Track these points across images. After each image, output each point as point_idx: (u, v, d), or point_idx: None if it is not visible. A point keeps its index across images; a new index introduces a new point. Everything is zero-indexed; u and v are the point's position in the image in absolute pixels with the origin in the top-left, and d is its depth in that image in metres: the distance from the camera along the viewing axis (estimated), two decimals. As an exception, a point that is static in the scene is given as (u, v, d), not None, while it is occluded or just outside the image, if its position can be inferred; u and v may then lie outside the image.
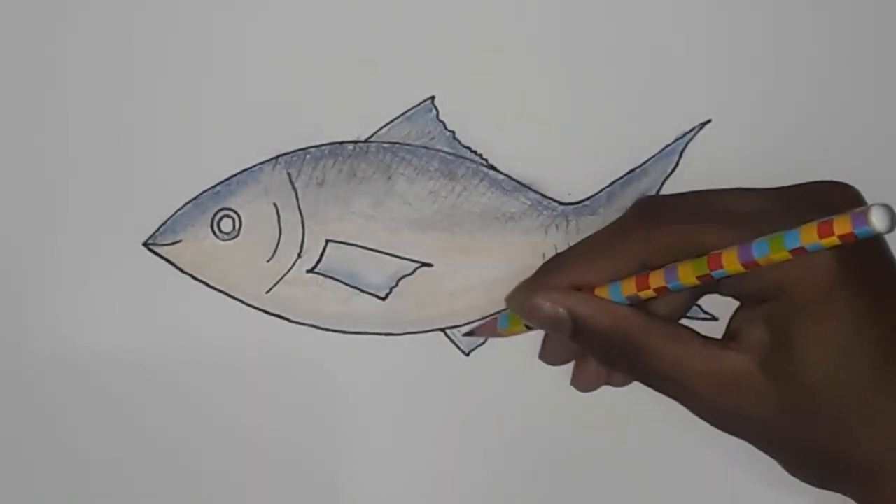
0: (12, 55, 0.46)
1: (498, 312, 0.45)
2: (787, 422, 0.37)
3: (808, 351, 0.36)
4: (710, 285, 0.39)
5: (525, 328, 0.43)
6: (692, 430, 0.47)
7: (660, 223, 0.39)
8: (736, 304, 0.39)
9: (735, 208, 0.38)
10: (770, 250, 0.35)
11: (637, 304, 0.39)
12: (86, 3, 0.46)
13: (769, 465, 0.39)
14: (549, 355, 0.44)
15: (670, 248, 0.38)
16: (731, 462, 0.47)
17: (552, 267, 0.42)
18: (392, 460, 0.47)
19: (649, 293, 0.39)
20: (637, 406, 0.47)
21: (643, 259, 0.39)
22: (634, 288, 0.39)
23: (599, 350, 0.40)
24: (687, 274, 0.37)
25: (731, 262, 0.36)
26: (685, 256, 0.37)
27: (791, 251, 0.34)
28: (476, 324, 0.46)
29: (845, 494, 0.38)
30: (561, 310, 0.40)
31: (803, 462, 0.38)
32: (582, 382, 0.43)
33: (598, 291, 0.40)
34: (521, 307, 0.41)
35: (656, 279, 0.38)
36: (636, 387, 0.46)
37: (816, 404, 0.36)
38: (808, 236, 0.33)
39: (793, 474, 0.39)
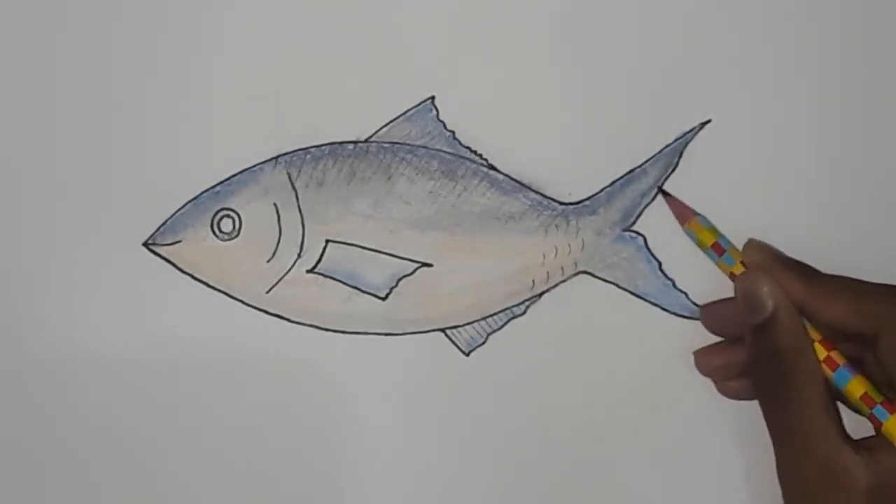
0: (13, 56, 0.46)
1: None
2: None
3: None
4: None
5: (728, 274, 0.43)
6: (693, 432, 0.47)
7: None
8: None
9: None
10: None
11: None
12: (86, 3, 0.46)
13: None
14: (710, 320, 0.44)
15: None
16: (731, 463, 0.47)
17: (808, 269, 0.41)
18: (392, 460, 0.47)
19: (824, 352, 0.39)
20: (637, 406, 0.47)
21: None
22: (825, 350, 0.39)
23: (764, 350, 0.40)
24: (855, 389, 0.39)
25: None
26: None
27: None
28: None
29: None
30: (771, 303, 0.39)
31: None
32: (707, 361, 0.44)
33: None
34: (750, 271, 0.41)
35: (838, 358, 0.39)
36: (634, 389, 0.46)
37: None
38: None
39: None
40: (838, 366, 0.39)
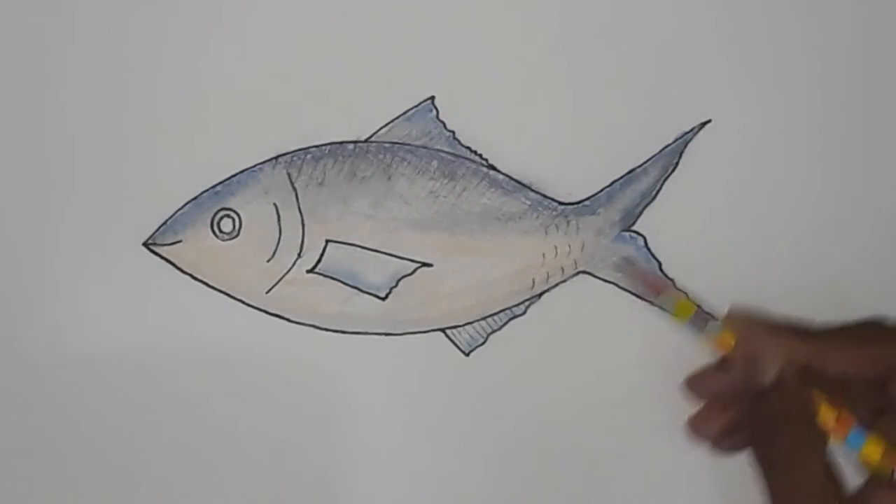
0: (13, 56, 0.46)
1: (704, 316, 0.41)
2: None
3: None
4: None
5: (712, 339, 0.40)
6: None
7: None
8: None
9: None
10: None
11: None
12: (86, 3, 0.46)
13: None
14: (696, 387, 0.41)
15: None
16: (730, 462, 0.47)
17: (801, 328, 0.40)
18: (392, 460, 0.47)
19: (831, 420, 0.38)
20: (636, 407, 0.47)
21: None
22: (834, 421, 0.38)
23: (767, 417, 0.38)
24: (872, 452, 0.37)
25: None
26: None
27: None
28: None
29: None
30: (775, 367, 0.38)
31: None
32: (699, 425, 0.42)
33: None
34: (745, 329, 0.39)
35: (847, 418, 0.38)
36: (634, 389, 0.46)
37: None
38: None
39: None
40: (849, 428, 0.37)
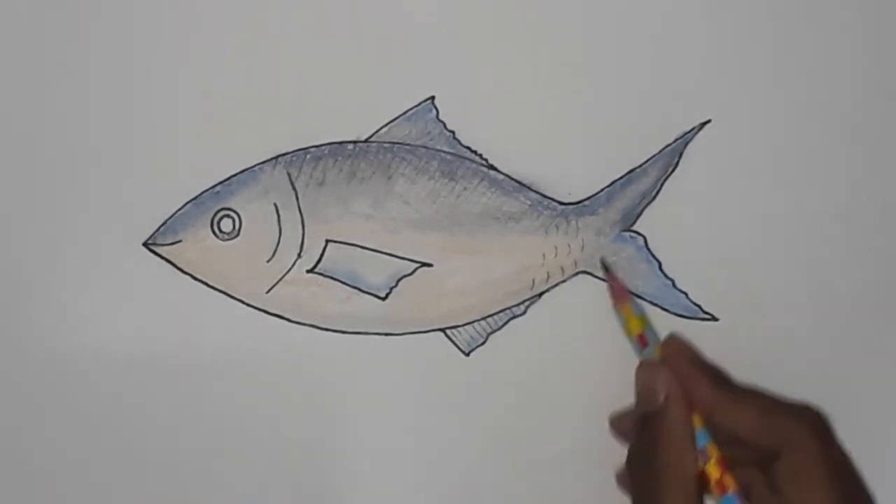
0: (13, 55, 0.46)
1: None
2: None
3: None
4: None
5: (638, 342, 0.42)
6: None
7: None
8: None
9: None
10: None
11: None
12: (87, 3, 0.46)
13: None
14: (617, 424, 0.45)
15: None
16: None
17: (721, 377, 0.41)
18: (392, 460, 0.47)
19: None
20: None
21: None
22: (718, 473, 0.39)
23: (646, 442, 0.39)
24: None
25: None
26: None
27: None
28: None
29: None
30: (663, 395, 0.39)
31: None
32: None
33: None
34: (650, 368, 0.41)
35: (729, 482, 0.39)
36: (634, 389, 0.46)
37: None
38: None
39: None
40: (727, 491, 0.38)
